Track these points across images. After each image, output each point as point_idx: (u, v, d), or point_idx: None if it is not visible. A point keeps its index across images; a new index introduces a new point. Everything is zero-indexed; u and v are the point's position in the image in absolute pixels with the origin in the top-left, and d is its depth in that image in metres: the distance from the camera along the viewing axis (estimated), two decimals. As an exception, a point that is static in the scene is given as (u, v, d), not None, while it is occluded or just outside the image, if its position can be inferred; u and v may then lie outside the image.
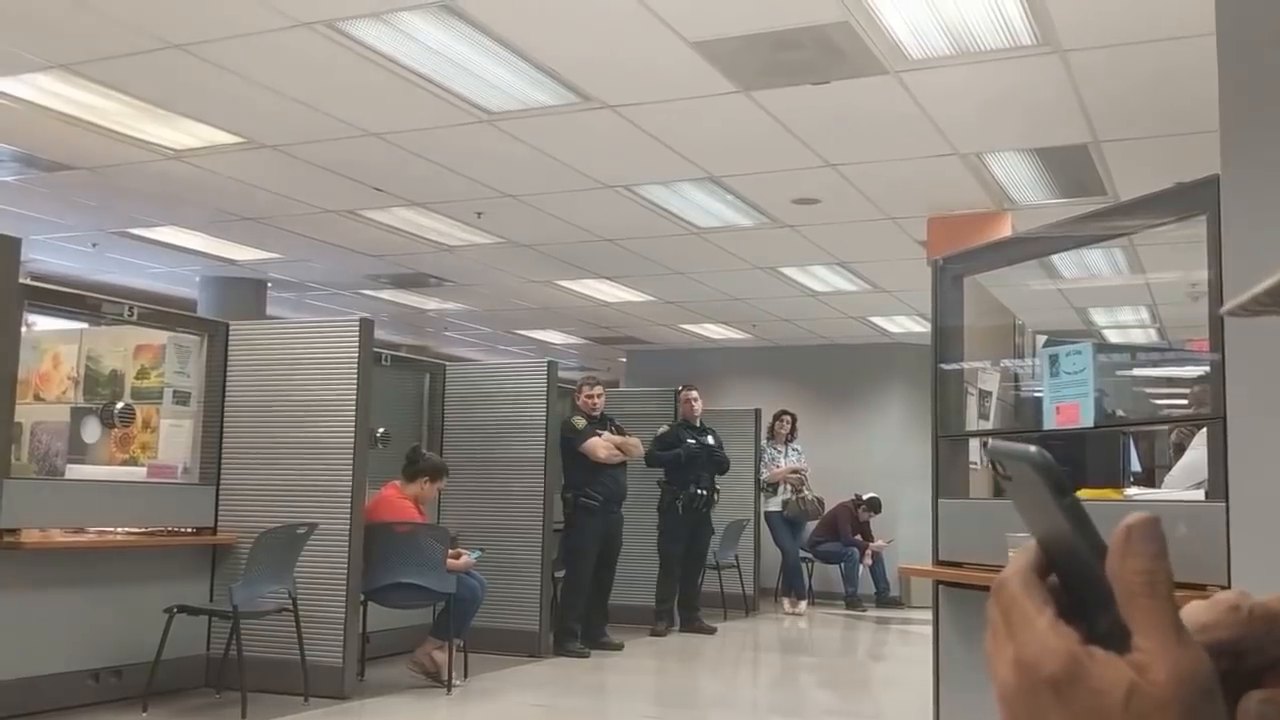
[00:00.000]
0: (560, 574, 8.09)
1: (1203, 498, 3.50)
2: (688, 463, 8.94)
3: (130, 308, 6.17)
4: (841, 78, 5.29)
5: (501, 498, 7.91)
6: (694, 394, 9.32)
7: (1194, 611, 0.54)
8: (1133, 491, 4.82)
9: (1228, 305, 0.58)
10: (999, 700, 0.51)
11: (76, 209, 8.20)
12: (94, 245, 9.41)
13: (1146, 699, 0.47)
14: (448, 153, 6.59)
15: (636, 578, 9.15)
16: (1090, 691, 0.47)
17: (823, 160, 6.55)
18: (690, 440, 9.02)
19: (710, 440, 9.23)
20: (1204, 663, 0.48)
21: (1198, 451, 4.25)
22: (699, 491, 9.06)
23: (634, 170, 6.90)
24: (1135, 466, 7.32)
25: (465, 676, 6.66)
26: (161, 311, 6.87)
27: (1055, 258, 7.94)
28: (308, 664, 5.85)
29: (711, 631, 9.20)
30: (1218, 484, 3.32)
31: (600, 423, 8.22)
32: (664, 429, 9.08)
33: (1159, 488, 5.41)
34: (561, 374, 8.66)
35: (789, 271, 9.71)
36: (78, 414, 7.05)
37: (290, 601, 5.88)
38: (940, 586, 4.49)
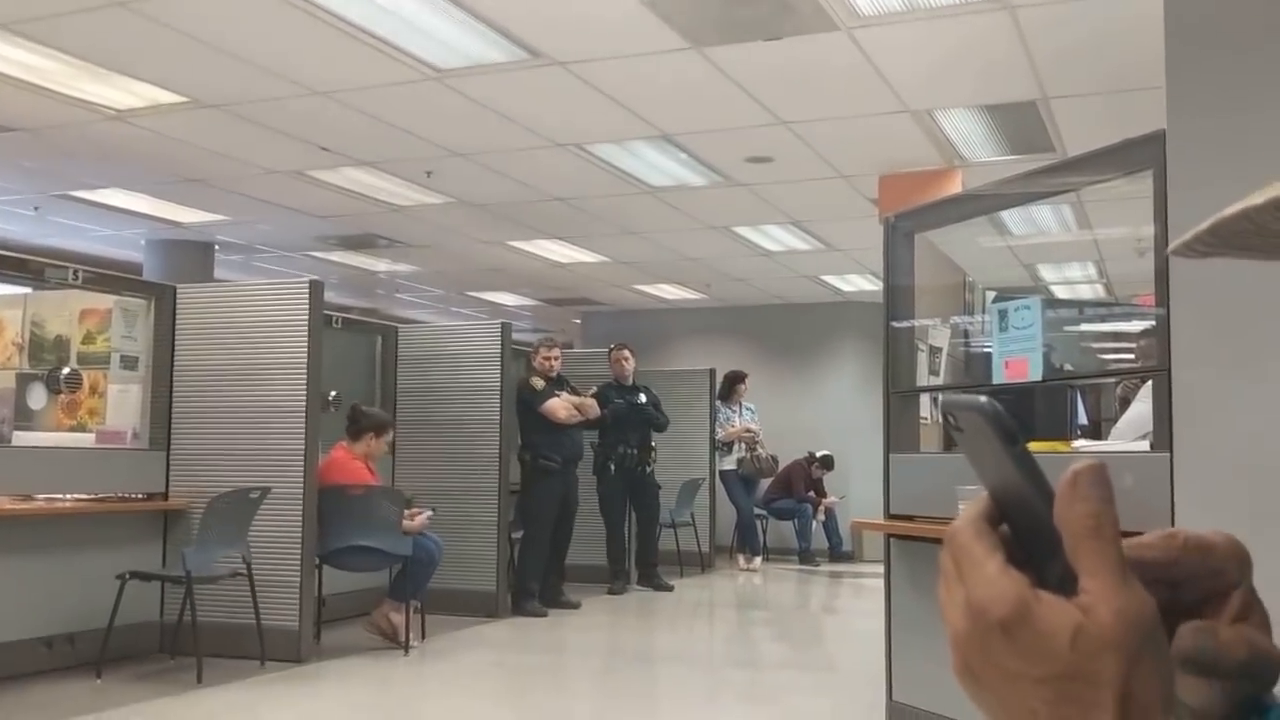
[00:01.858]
0: (517, 535, 8.10)
1: (1148, 449, 3.57)
2: (615, 423, 8.89)
3: (75, 271, 6.07)
4: (793, 34, 5.27)
5: (457, 460, 7.90)
6: (625, 353, 9.18)
7: (1132, 540, 0.55)
8: (1080, 444, 4.90)
9: (1173, 245, 0.59)
10: (951, 645, 0.52)
11: (17, 171, 8.02)
12: (36, 209, 9.23)
13: (1092, 639, 0.48)
14: (396, 112, 6.51)
15: (593, 538, 9.18)
16: (1038, 633, 0.48)
17: (775, 118, 6.55)
18: (618, 400, 8.96)
19: (642, 399, 9.15)
20: (1148, 604, 0.49)
21: (1143, 404, 4.33)
22: (629, 450, 9.05)
23: (586, 128, 6.86)
24: (1083, 420, 7.44)
25: (423, 637, 6.67)
26: (107, 275, 6.76)
27: (1005, 215, 8.01)
28: (263, 628, 5.83)
29: (669, 589, 9.26)
30: (1162, 435, 3.38)
31: (558, 384, 8.21)
32: (593, 389, 8.92)
33: (1106, 440, 5.50)
34: (516, 336, 8.62)
35: (742, 231, 9.73)
36: (23, 380, 6.93)
37: (245, 566, 5.85)
38: (891, 540, 4.56)
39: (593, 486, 9.02)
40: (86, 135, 7.04)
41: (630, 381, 9.15)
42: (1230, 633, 0.53)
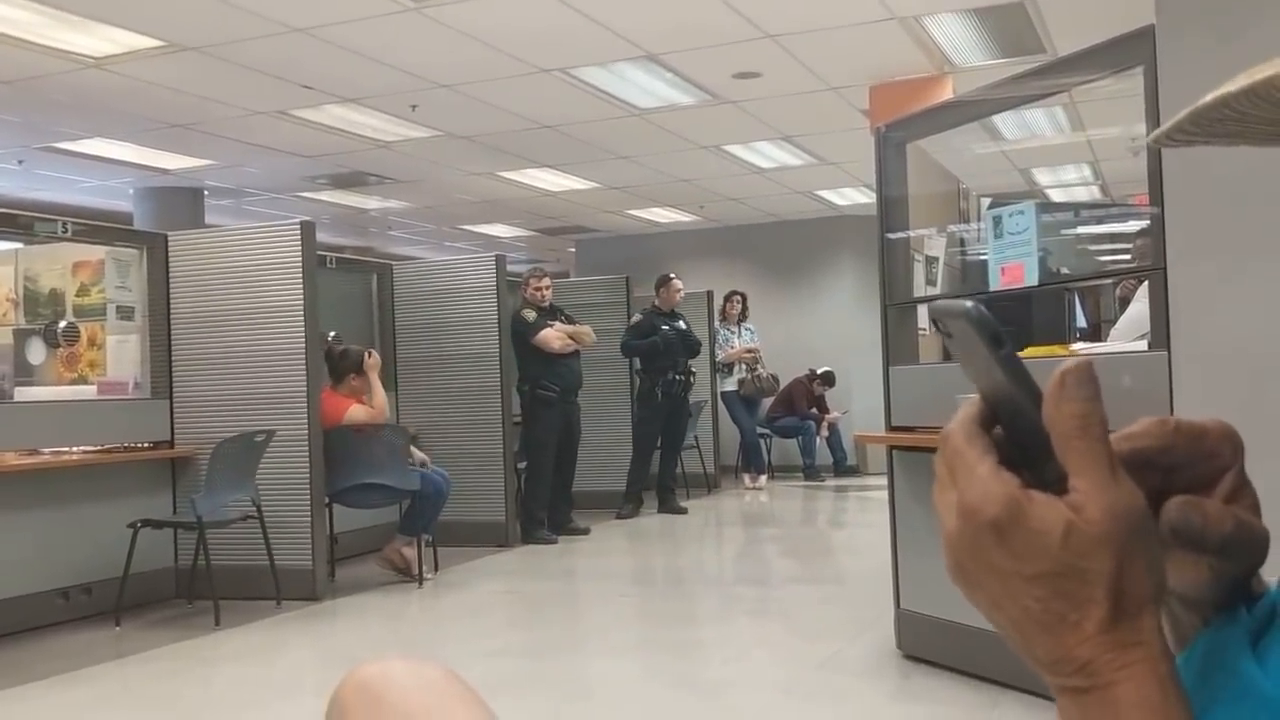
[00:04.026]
0: (522, 465, 8.16)
1: (1146, 348, 3.57)
2: (666, 349, 9.05)
3: (64, 224, 6.03)
4: (775, -54, 5.18)
5: (459, 394, 7.93)
6: (678, 283, 9.46)
7: (1124, 429, 0.55)
8: (1078, 346, 4.90)
9: (1152, 135, 0.59)
10: (945, 546, 0.52)
11: (-2, 125, 7.95)
12: (20, 162, 9.16)
13: (1082, 536, 0.48)
14: (376, 45, 6.43)
15: (601, 464, 9.27)
16: (1029, 532, 0.49)
17: (761, 31, 6.45)
18: (665, 327, 9.11)
19: (683, 325, 9.36)
20: (1137, 498, 0.49)
21: (1141, 304, 4.32)
22: (676, 377, 9.19)
23: (570, 53, 6.77)
24: (1081, 322, 7.45)
25: (436, 570, 6.75)
26: (97, 226, 6.73)
27: (997, 119, 7.94)
28: (278, 568, 5.90)
29: (683, 511, 9.37)
30: (1159, 333, 3.39)
31: (550, 313, 8.21)
32: (637, 317, 9.20)
33: (1105, 341, 5.51)
34: (511, 267, 8.61)
35: (733, 149, 9.64)
36: (21, 336, 6.93)
37: (255, 509, 5.89)
38: (894, 451, 4.59)
39: (603, 412, 9.13)
40: (66, 85, 6.95)
41: (672, 309, 9.26)
42: (1217, 507, 0.54)
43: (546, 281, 8.26)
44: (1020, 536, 0.49)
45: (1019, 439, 0.52)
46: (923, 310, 4.84)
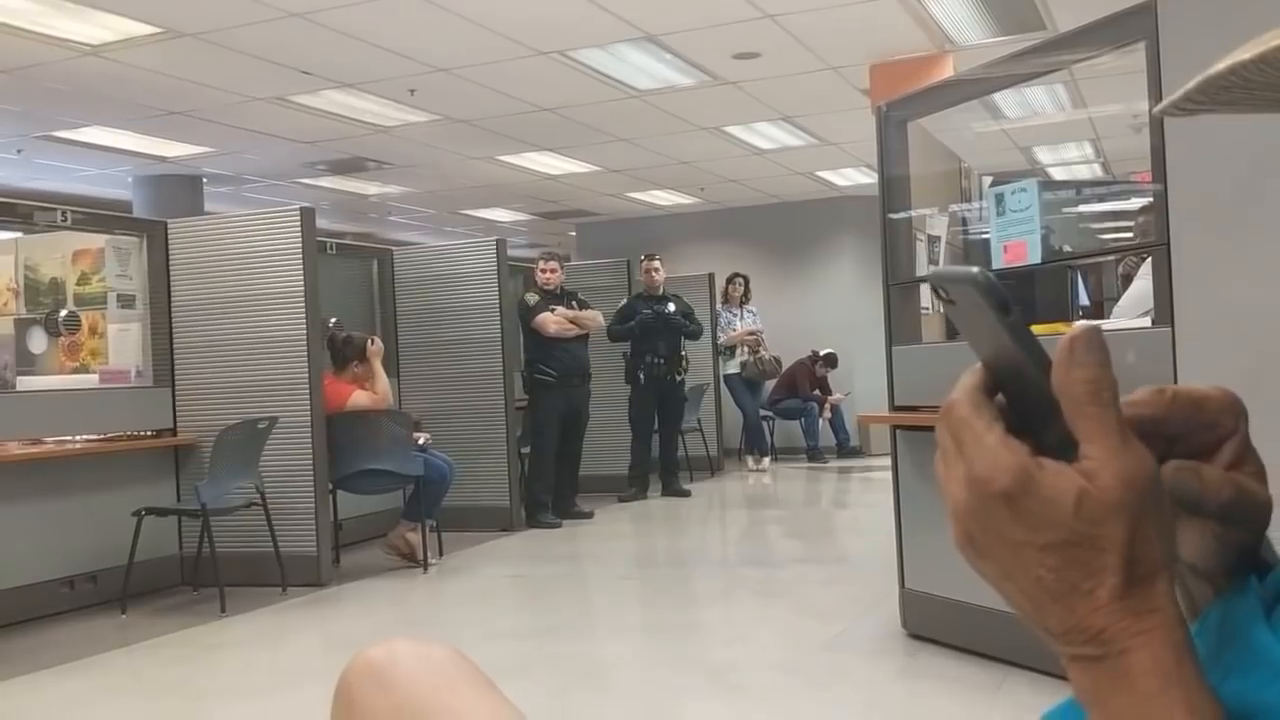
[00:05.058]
0: (526, 449, 8.17)
1: (1149, 325, 3.56)
2: (644, 333, 9.00)
3: (64, 213, 6.01)
4: (773, -76, 5.15)
5: (461, 379, 7.93)
6: (656, 263, 9.29)
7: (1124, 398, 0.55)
8: (1081, 324, 4.88)
9: (1159, 106, 0.58)
10: (952, 518, 0.52)
11: (-5, 114, 7.93)
12: (19, 151, 9.15)
13: (1096, 503, 0.48)
14: (374, 29, 6.40)
15: (606, 448, 9.27)
16: (1042, 500, 0.48)
17: (760, 11, 6.43)
18: (645, 310, 9.05)
19: (670, 308, 9.24)
20: (1150, 464, 0.49)
21: (1144, 281, 4.31)
22: (656, 360, 9.14)
23: (568, 35, 6.75)
24: (1084, 300, 7.43)
25: (440, 555, 6.76)
26: (96, 214, 6.71)
27: (998, 98, 7.90)
28: (282, 555, 5.90)
29: (686, 494, 9.37)
30: (1163, 310, 3.38)
31: (557, 297, 8.19)
32: (623, 303, 9.18)
33: (1108, 319, 5.49)
34: (512, 252, 8.59)
35: (734, 130, 9.62)
36: (22, 325, 6.92)
37: (259, 496, 5.90)
38: (897, 431, 4.59)
39: (611, 397, 9.16)
40: (62, 73, 6.93)
41: (660, 292, 9.21)
42: (1215, 473, 0.54)
43: (553, 265, 8.23)
44: (1032, 506, 0.48)
45: (1024, 406, 0.51)
46: (925, 290, 4.83)
